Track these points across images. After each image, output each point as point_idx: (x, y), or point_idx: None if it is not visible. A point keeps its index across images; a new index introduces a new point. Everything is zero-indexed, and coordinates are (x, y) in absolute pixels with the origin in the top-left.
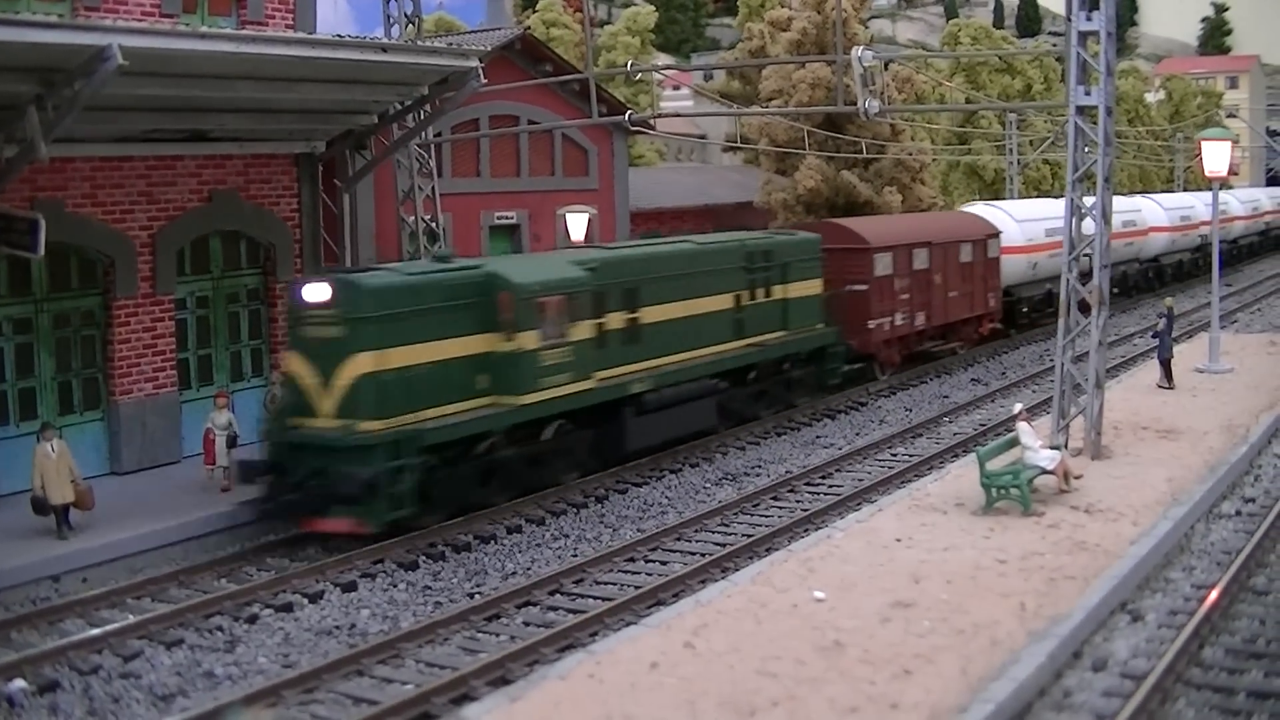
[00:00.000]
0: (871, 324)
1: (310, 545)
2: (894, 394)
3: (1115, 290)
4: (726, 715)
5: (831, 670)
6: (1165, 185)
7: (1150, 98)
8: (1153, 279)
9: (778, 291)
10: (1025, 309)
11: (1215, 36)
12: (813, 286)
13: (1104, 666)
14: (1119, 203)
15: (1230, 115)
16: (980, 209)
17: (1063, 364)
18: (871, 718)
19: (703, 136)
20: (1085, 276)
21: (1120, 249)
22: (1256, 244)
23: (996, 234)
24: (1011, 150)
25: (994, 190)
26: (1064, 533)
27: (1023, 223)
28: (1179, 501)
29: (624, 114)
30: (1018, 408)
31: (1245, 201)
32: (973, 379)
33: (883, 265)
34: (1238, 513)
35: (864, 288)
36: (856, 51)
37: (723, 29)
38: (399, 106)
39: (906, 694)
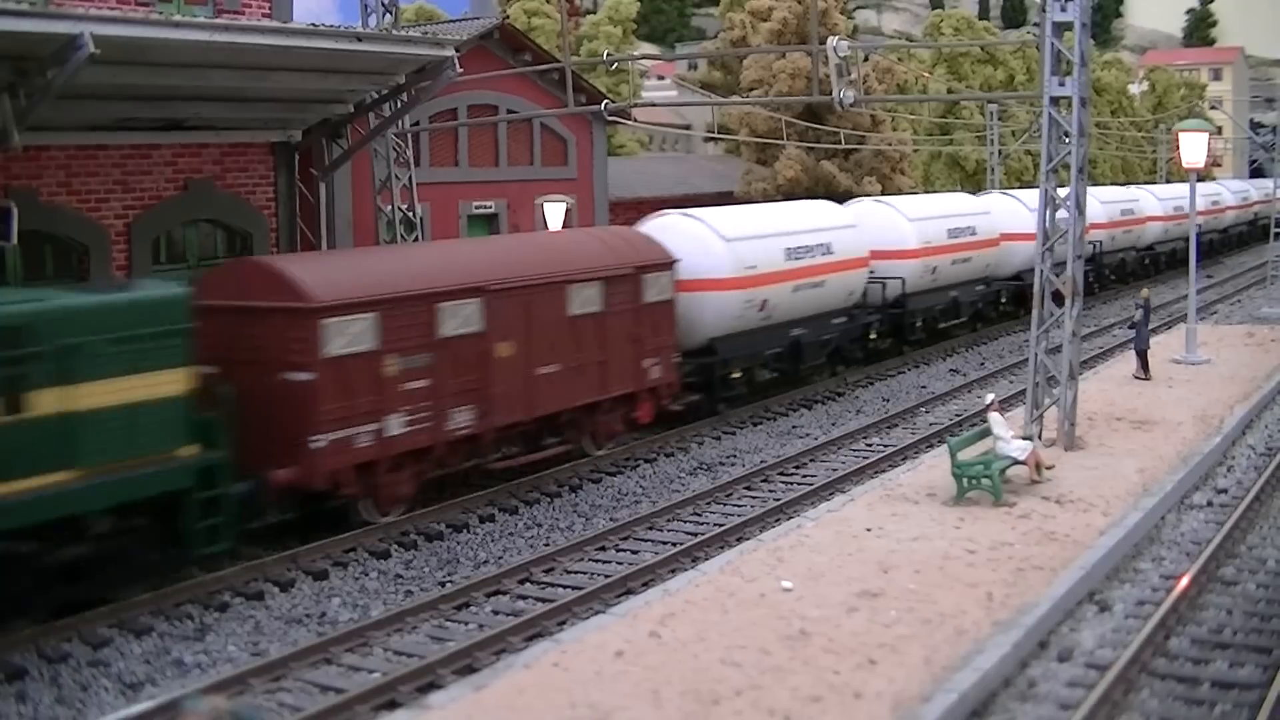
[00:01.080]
0: (321, 439)
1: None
2: (871, 384)
3: (921, 329)
4: (690, 704)
5: (796, 659)
6: (1148, 177)
7: (1134, 89)
8: (1007, 304)
9: (45, 401)
10: (738, 373)
11: (1200, 28)
12: (163, 382)
13: (1070, 657)
14: (951, 204)
15: (1213, 107)
16: (666, 224)
17: (1036, 355)
18: (834, 707)
19: (687, 127)
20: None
21: (946, 269)
22: (1182, 250)
23: (668, 264)
24: (992, 141)
25: (975, 181)
26: (1034, 523)
27: (736, 241)
28: (1150, 492)
29: (601, 103)
30: (989, 398)
31: (1165, 199)
32: (951, 369)
33: (348, 336)
34: (1209, 503)
35: (307, 377)
36: (832, 41)
37: (708, 19)
38: (375, 95)
39: (870, 683)
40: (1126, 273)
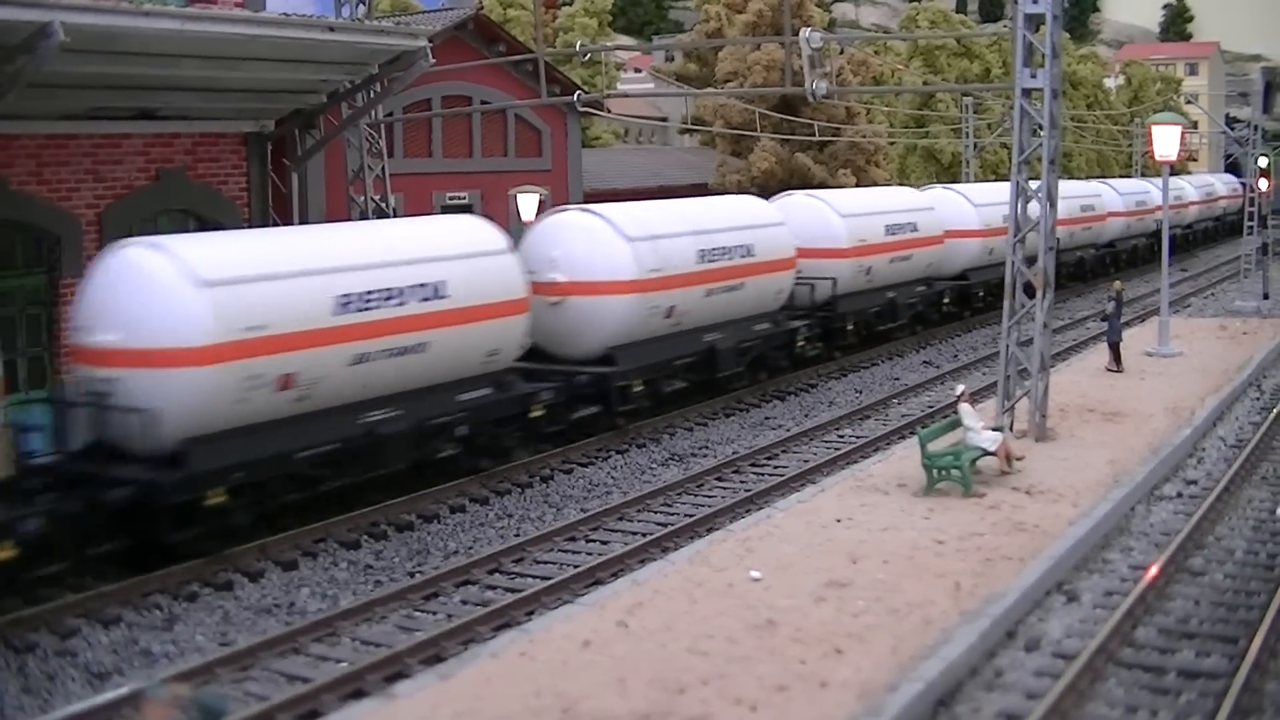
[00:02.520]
0: None
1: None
2: (845, 376)
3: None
4: (656, 693)
5: (763, 649)
6: (1124, 170)
7: (1109, 83)
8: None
9: None
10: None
11: (1177, 23)
12: None
13: (1037, 646)
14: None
15: (1189, 101)
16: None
17: (1007, 346)
18: (800, 696)
19: (664, 119)
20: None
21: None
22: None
23: None
24: (967, 134)
25: (951, 174)
26: (1003, 514)
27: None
28: (1120, 483)
29: (574, 94)
30: (959, 389)
31: (985, 204)
32: (924, 361)
33: None
34: (1179, 494)
35: None
36: (805, 33)
37: (686, 12)
38: (348, 86)
39: (836, 672)
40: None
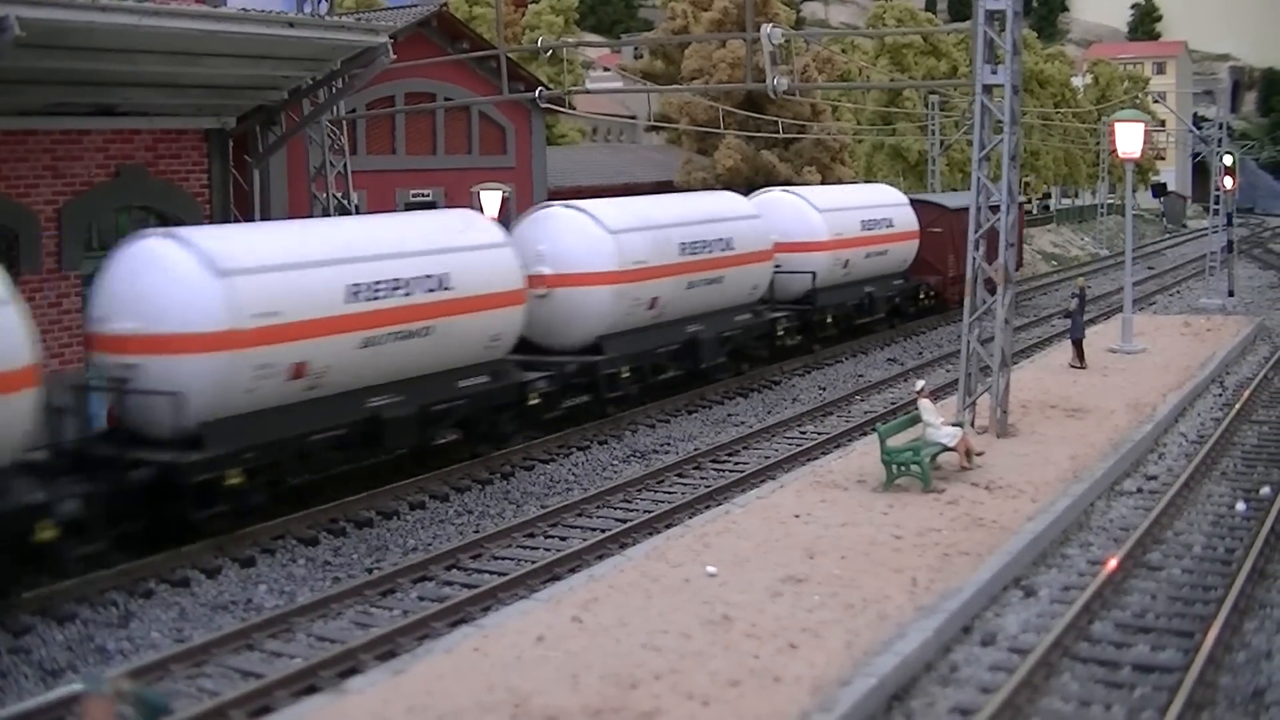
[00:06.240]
0: None
1: None
2: (809, 373)
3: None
4: (608, 688)
5: (717, 644)
6: (1091, 169)
7: (1077, 82)
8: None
9: None
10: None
11: (1145, 23)
12: None
13: (993, 641)
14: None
15: (1156, 100)
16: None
17: (968, 342)
18: (753, 691)
19: (632, 117)
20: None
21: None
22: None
23: None
24: (933, 132)
25: (918, 172)
26: (962, 509)
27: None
28: (1080, 479)
29: (536, 90)
30: (919, 384)
31: (638, 228)
32: (889, 358)
33: None
34: (1139, 490)
35: None
36: (766, 29)
37: (655, 11)
38: (310, 82)
39: (790, 667)
40: None
